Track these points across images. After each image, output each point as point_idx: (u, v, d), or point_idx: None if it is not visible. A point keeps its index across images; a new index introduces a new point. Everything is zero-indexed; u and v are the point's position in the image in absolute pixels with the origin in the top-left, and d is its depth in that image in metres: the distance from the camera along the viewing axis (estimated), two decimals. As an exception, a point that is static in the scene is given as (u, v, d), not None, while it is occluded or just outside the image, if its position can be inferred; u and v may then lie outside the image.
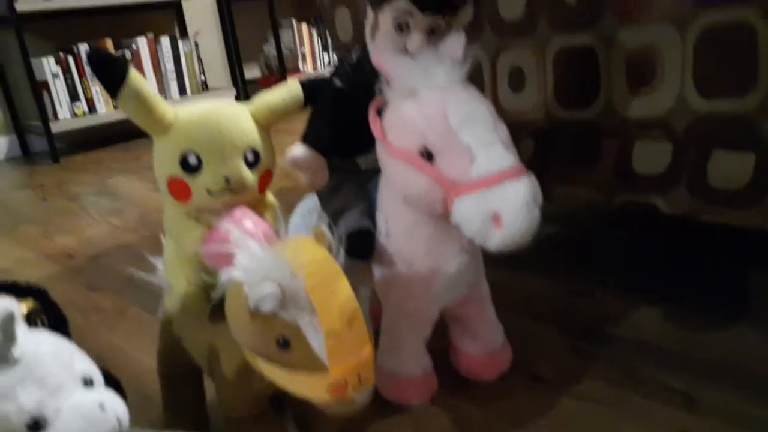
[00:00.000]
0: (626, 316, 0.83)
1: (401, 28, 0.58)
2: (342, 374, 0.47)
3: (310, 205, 0.81)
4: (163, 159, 0.55)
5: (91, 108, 2.49)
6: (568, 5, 0.73)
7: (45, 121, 2.30)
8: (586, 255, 1.04)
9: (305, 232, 0.78)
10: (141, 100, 0.52)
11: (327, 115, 0.62)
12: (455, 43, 0.55)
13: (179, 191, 0.55)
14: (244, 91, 3.12)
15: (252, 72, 3.23)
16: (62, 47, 2.45)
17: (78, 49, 2.43)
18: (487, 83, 0.85)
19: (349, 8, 0.99)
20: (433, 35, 0.58)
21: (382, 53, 0.57)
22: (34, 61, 2.28)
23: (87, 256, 1.34)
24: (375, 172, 0.65)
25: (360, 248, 0.61)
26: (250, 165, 0.56)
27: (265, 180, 0.58)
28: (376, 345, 0.64)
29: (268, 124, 0.58)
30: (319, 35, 3.23)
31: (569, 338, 0.80)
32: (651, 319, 0.81)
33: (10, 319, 0.43)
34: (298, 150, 0.60)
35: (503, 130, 0.54)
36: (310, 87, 0.60)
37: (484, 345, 0.71)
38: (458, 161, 0.52)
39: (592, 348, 0.77)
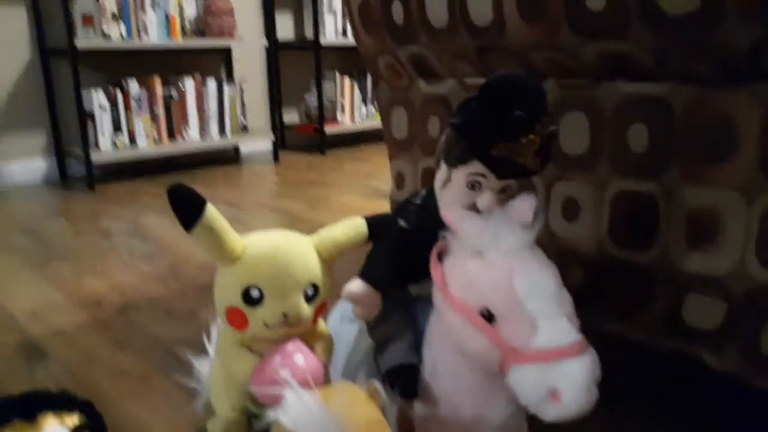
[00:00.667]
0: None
1: (473, 186, 0.58)
2: None
3: (350, 306, 0.82)
4: (226, 289, 0.55)
5: (132, 140, 2.55)
6: (633, 152, 0.74)
7: (86, 149, 2.35)
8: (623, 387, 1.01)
9: (344, 339, 0.78)
10: (214, 236, 0.53)
11: (388, 255, 0.62)
12: (526, 205, 0.55)
13: (237, 321, 0.55)
14: (281, 135, 3.18)
15: (291, 117, 3.29)
16: (112, 81, 2.53)
17: (127, 83, 2.50)
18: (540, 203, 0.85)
19: (405, 108, 1.01)
20: (503, 194, 0.59)
21: (451, 208, 0.58)
22: (84, 91, 2.35)
23: (115, 306, 1.35)
24: (425, 299, 0.65)
25: (404, 386, 0.61)
26: (309, 299, 0.56)
27: (319, 311, 0.58)
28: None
29: (331, 259, 0.59)
30: (360, 89, 3.29)
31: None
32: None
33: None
34: (356, 286, 0.60)
35: (568, 303, 0.54)
36: (375, 225, 0.61)
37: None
38: (520, 329, 0.52)
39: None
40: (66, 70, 2.31)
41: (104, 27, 2.41)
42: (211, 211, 0.53)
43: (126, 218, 2.06)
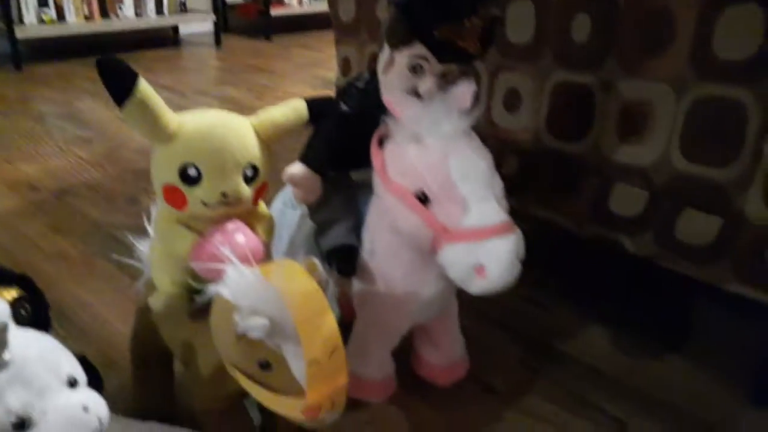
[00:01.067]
0: (576, 335, 0.89)
1: (415, 70, 0.58)
2: (318, 400, 0.50)
3: (292, 194, 0.82)
4: (162, 166, 0.54)
5: (60, 16, 2.36)
6: (576, 42, 0.74)
7: (9, 23, 2.17)
8: (546, 268, 1.08)
9: (287, 226, 0.80)
10: (147, 112, 0.51)
11: (329, 139, 0.62)
12: (465, 92, 0.56)
13: (175, 199, 0.55)
14: (223, 16, 2.99)
15: (234, -3, 3.09)
16: (33, -54, 2.28)
17: (50, -50, 2.27)
18: (482, 96, 0.86)
19: (354, -11, 0.97)
20: (444, 79, 0.59)
21: (393, 92, 0.58)
22: (1, -43, 2.13)
23: (51, 189, 1.31)
24: (365, 185, 0.67)
25: (343, 265, 0.64)
26: (248, 180, 0.56)
27: (260, 192, 0.59)
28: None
29: (270, 141, 0.58)
30: (308, -31, 3.10)
31: (523, 351, 0.85)
32: (598, 341, 0.87)
33: (3, 328, 0.44)
34: (296, 169, 0.61)
35: (498, 186, 0.56)
36: (316, 108, 0.60)
37: (444, 355, 0.75)
38: (452, 210, 0.55)
39: (541, 364, 0.82)
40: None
41: None
42: (144, 85, 0.51)
43: (59, 101, 1.95)
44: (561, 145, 0.81)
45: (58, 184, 1.34)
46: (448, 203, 0.55)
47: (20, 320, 0.51)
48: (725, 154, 0.66)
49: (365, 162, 0.62)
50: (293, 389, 0.50)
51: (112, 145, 1.59)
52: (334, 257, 0.64)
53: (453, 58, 0.57)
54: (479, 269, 0.54)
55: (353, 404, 0.72)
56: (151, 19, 2.59)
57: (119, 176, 1.40)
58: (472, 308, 0.87)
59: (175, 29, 2.87)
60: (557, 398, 0.77)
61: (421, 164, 0.55)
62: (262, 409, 0.69)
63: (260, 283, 0.50)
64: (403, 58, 0.58)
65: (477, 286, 0.55)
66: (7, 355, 0.45)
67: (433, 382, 0.76)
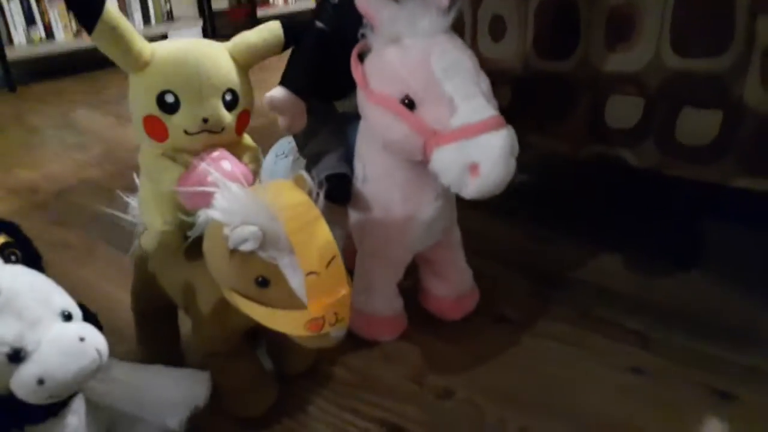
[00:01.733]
0: (585, 263, 0.87)
1: (387, -28, 0.57)
2: (320, 311, 0.49)
3: (284, 146, 0.81)
4: (139, 97, 0.53)
5: (49, 34, 2.37)
6: (553, -46, 0.73)
7: (0, 46, 2.18)
8: (550, 202, 1.07)
9: (279, 173, 0.78)
10: (117, 37, 0.51)
11: (307, 58, 0.61)
12: (441, -10, 0.54)
13: (156, 130, 0.54)
14: (211, 22, 3.00)
15: (220, 3, 3.10)
16: (16, -33, 2.30)
17: (34, -30, 2.28)
18: (468, 30, 0.85)
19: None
20: (419, -20, 0.58)
21: (367, -3, 0.56)
22: (-15, -19, 2.15)
23: (51, 191, 1.31)
24: (353, 116, 0.65)
25: (337, 192, 0.62)
26: (228, 106, 0.55)
27: (242, 121, 0.57)
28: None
29: (247, 65, 0.57)
30: (291, -33, 3.10)
31: (532, 282, 0.83)
32: (609, 266, 0.85)
33: (-13, 256, 0.43)
34: (276, 92, 0.59)
35: (485, 82, 0.54)
36: (291, 28, 0.59)
37: (452, 288, 0.74)
38: (440, 111, 0.53)
39: (553, 292, 0.81)
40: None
41: None
42: (112, 8, 0.50)
43: (54, 115, 1.96)
44: (551, 66, 0.79)
45: (57, 186, 1.34)
46: (434, 105, 0.53)
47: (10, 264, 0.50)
48: (718, 43, 0.64)
49: (349, 86, 0.61)
50: (294, 303, 0.49)
51: (109, 147, 1.59)
52: (327, 186, 0.62)
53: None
54: (473, 167, 0.52)
55: (364, 343, 0.71)
56: (139, 29, 2.60)
57: (118, 172, 1.40)
58: (478, 247, 0.85)
59: (164, 38, 2.88)
60: (572, 319, 0.75)
61: (402, 67, 0.54)
62: (273, 356, 0.68)
63: (249, 198, 0.49)
64: (374, -40, 0.57)
65: (473, 186, 0.53)
66: (-6, 287, 0.44)
67: (443, 316, 0.75)
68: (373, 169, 0.63)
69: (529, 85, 0.82)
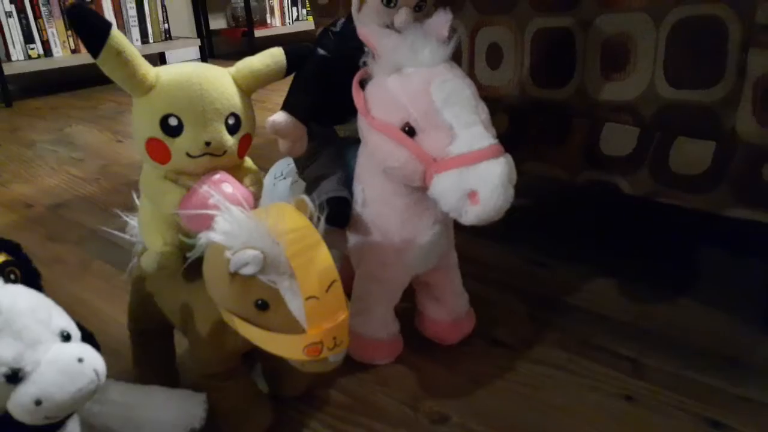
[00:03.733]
0: (581, 288, 0.87)
1: (389, 2, 0.58)
2: (319, 336, 0.49)
3: (283, 167, 0.82)
4: (143, 120, 0.54)
5: (47, 51, 2.38)
6: (550, -15, 0.75)
7: (-3, 61, 2.19)
8: (545, 227, 1.08)
9: (279, 195, 0.79)
10: (123, 61, 0.51)
11: (309, 84, 0.62)
12: (441, 21, 0.56)
13: (158, 153, 0.54)
14: (208, 42, 3.03)
15: (218, 23, 3.14)
16: (16, -16, 2.32)
17: (34, -14, 2.30)
18: (465, 58, 0.86)
19: (328, -31, 0.98)
20: (420, 11, 0.59)
21: (368, 26, 0.58)
22: (-15, -4, 2.16)
23: (46, 206, 1.31)
24: (353, 140, 0.66)
25: (336, 216, 0.63)
26: (231, 129, 0.56)
27: (244, 145, 0.58)
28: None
29: (249, 90, 0.58)
30: (289, -11, 3.14)
31: (528, 307, 0.84)
32: (604, 292, 0.86)
33: (-12, 275, 0.43)
34: (278, 117, 0.60)
35: (484, 111, 0.55)
36: (294, 54, 0.60)
37: (449, 311, 0.74)
38: (439, 138, 0.54)
39: (548, 316, 0.81)
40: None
41: None
42: (118, 34, 0.51)
43: (50, 130, 1.96)
44: (547, 94, 0.80)
45: (52, 200, 1.34)
46: (434, 132, 0.54)
47: (10, 283, 0.50)
48: (710, 74, 0.66)
49: (350, 112, 0.62)
50: (293, 327, 0.49)
51: (105, 163, 1.59)
52: (327, 209, 0.63)
53: (426, -16, 0.57)
54: (472, 195, 0.53)
55: (360, 367, 0.71)
56: (136, 47, 2.62)
57: (114, 188, 1.40)
58: (475, 272, 0.86)
59: (162, 57, 2.90)
60: (568, 345, 0.75)
61: (403, 94, 0.55)
62: (269, 378, 0.68)
63: (250, 222, 0.50)
64: (375, -10, 0.58)
65: (471, 213, 0.54)
66: (-6, 307, 0.44)
67: (440, 341, 0.75)
68: (373, 193, 0.64)
69: (525, 113, 0.84)
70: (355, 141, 0.66)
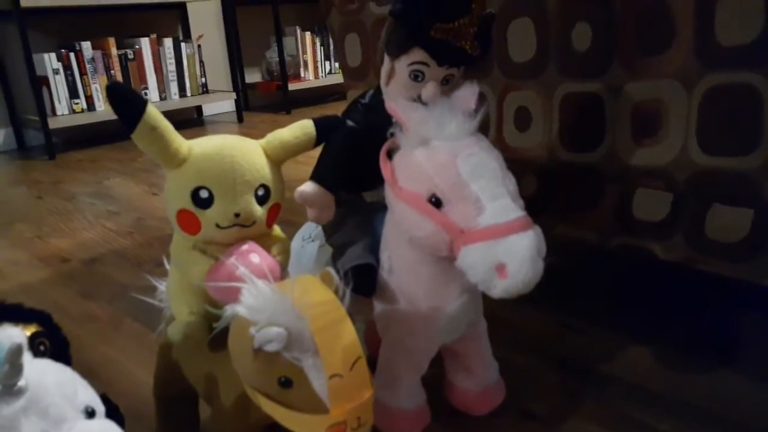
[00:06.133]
0: (617, 356, 0.84)
1: (416, 77, 0.59)
2: (342, 416, 0.48)
3: (311, 229, 0.82)
4: (175, 191, 0.55)
5: (90, 105, 2.49)
6: (578, 52, 0.75)
7: (43, 116, 2.29)
8: (579, 290, 1.05)
9: (306, 258, 0.79)
10: (157, 136, 0.53)
11: (338, 154, 0.63)
12: (468, 95, 0.56)
13: (188, 224, 0.55)
14: (243, 94, 3.13)
15: (253, 77, 3.24)
16: (64, 44, 2.45)
17: (80, 46, 2.42)
18: (493, 120, 0.86)
19: (359, 34, 1.00)
20: (447, 84, 0.60)
21: (396, 100, 0.58)
22: (35, 56, 2.28)
23: (81, 260, 1.34)
24: (380, 206, 0.66)
25: (362, 284, 0.62)
26: (260, 200, 0.56)
27: (273, 214, 0.59)
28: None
29: (279, 161, 0.59)
30: (321, 44, 3.24)
31: (561, 375, 0.81)
32: (641, 360, 0.83)
33: (18, 350, 0.44)
34: (307, 187, 0.61)
35: (511, 183, 0.55)
36: (323, 126, 0.61)
37: (478, 381, 0.72)
38: (467, 210, 0.53)
39: (582, 387, 0.78)
40: (13, 33, 2.22)
41: (50, -13, 2.32)
42: (153, 110, 0.52)
43: (89, 182, 2.03)
44: (577, 158, 0.80)
45: (88, 254, 1.37)
46: (461, 204, 0.54)
47: (39, 355, 0.51)
48: (745, 142, 0.64)
49: (377, 180, 0.62)
50: (316, 406, 0.48)
51: (139, 216, 1.63)
52: (352, 277, 0.63)
53: (451, 59, 0.57)
54: (500, 268, 0.52)
55: (386, 438, 0.69)
56: (174, 101, 2.72)
57: (146, 243, 1.42)
58: (505, 336, 0.84)
59: (199, 109, 3.00)
60: (602, 420, 0.72)
61: (430, 166, 0.55)
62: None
63: (275, 296, 0.49)
64: (403, 66, 0.59)
65: (500, 286, 0.53)
66: (22, 382, 0.45)
67: (469, 411, 0.73)
68: (399, 261, 0.63)
69: (554, 175, 0.83)
70: (383, 207, 0.66)
